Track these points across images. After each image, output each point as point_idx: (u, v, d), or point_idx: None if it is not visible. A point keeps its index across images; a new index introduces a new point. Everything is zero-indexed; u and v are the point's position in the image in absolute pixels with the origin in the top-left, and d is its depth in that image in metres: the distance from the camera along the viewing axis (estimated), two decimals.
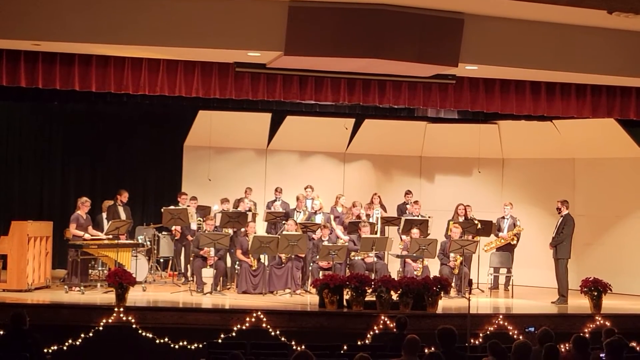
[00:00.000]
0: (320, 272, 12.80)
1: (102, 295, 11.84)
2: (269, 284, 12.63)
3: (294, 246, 12.40)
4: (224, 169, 15.79)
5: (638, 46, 11.59)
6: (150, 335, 10.28)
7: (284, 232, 12.97)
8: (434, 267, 13.50)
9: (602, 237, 14.88)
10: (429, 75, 12.00)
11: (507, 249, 14.32)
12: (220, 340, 9.89)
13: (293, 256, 12.72)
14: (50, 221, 13.06)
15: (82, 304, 11.07)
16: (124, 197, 13.75)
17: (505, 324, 10.93)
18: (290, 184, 14.99)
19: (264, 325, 10.47)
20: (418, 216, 14.16)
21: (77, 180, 15.97)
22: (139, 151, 16.27)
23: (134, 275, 11.28)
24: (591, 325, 11.15)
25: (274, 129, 15.84)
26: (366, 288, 11.21)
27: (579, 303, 12.27)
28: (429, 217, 14.27)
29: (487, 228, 13.96)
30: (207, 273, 12.94)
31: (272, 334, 10.41)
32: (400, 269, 13.56)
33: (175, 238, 14.29)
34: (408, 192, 14.99)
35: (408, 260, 13.20)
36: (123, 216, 13.46)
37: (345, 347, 9.20)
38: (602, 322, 11.12)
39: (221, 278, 12.76)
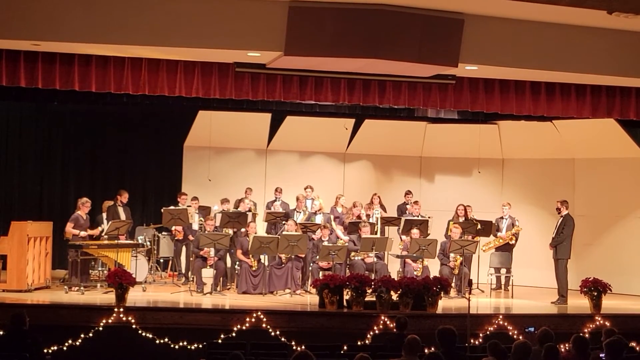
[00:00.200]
0: (320, 273, 12.80)
1: (102, 296, 11.83)
2: (269, 284, 12.63)
3: (294, 246, 12.40)
4: (224, 169, 15.78)
5: (638, 46, 11.59)
6: (150, 336, 10.27)
7: (284, 233, 12.97)
8: (434, 268, 13.50)
9: (601, 237, 14.88)
10: (429, 76, 12.00)
11: (506, 249, 14.32)
12: (220, 341, 9.91)
13: (293, 256, 12.72)
14: (50, 221, 13.06)
15: (82, 304, 11.07)
16: (124, 197, 13.75)
17: (505, 324, 10.93)
18: (290, 184, 14.99)
19: (264, 325, 10.47)
20: (418, 216, 14.16)
21: (77, 181, 15.98)
22: (139, 151, 16.27)
23: (133, 276, 11.28)
24: (591, 326, 11.15)
25: (274, 129, 15.84)
26: (366, 288, 11.21)
27: (578, 303, 12.26)
28: (429, 217, 14.27)
29: (487, 228, 13.97)
30: (207, 273, 12.94)
31: (272, 334, 10.41)
32: (400, 269, 13.56)
33: (176, 238, 14.29)
34: (408, 193, 14.99)
35: (408, 260, 13.20)
36: (123, 216, 13.46)
37: (345, 348, 9.20)
38: (601, 322, 11.12)
39: (221, 278, 12.76)
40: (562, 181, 15.33)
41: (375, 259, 12.93)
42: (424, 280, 11.61)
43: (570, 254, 12.89)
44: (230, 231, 13.28)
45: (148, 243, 14.19)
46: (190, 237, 13.74)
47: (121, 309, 10.47)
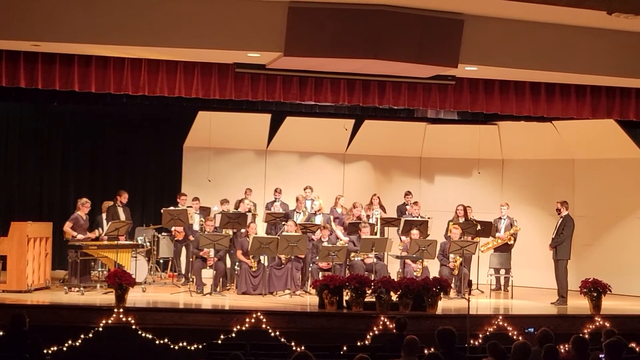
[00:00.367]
0: (320, 273, 12.80)
1: (101, 296, 11.83)
2: (268, 285, 12.63)
3: (294, 247, 12.40)
4: (223, 170, 15.78)
5: (638, 47, 11.59)
6: (150, 336, 10.27)
7: (284, 233, 12.97)
8: (434, 268, 13.49)
9: (601, 238, 14.88)
10: (428, 76, 12.01)
11: (505, 249, 14.33)
12: (220, 341, 9.91)
13: (293, 257, 12.72)
14: (49, 222, 13.06)
15: (81, 304, 11.06)
16: (124, 198, 13.76)
17: (505, 324, 10.93)
18: (290, 185, 14.98)
19: (263, 326, 10.46)
20: (418, 217, 14.16)
21: (77, 181, 15.98)
22: (139, 152, 16.28)
23: (133, 276, 11.27)
24: (591, 326, 11.14)
25: (274, 129, 15.84)
26: (366, 289, 11.21)
27: (578, 304, 12.26)
28: (429, 218, 14.27)
29: (487, 229, 13.96)
30: (207, 274, 12.94)
31: (272, 334, 10.40)
32: (400, 270, 13.56)
33: (176, 239, 14.29)
34: (408, 193, 14.99)
35: (408, 261, 13.20)
36: (123, 217, 13.47)
37: (345, 348, 9.20)
38: (601, 323, 11.12)
39: (221, 279, 12.76)
40: (562, 182, 15.33)
41: (375, 260, 12.93)
42: (423, 280, 11.61)
43: (570, 255, 12.88)
44: (230, 232, 13.27)
45: (148, 244, 14.19)
46: (191, 238, 13.74)
47: (121, 310, 10.46)
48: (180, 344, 10.21)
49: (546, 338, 7.36)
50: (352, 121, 15.79)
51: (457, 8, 10.76)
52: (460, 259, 13.17)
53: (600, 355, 7.11)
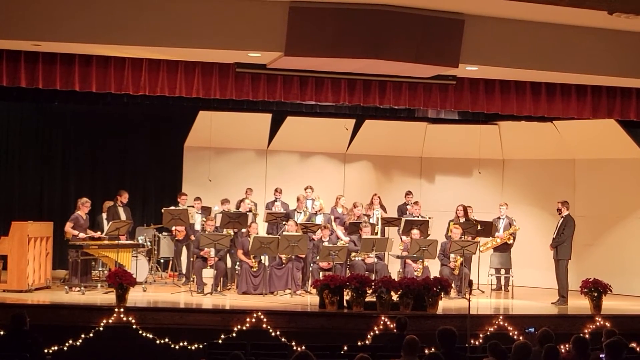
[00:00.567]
0: (321, 273, 12.80)
1: (102, 296, 11.84)
2: (269, 285, 12.63)
3: (294, 247, 12.40)
4: (224, 170, 15.79)
5: (638, 47, 11.59)
6: (151, 336, 10.27)
7: (284, 233, 12.97)
8: (434, 268, 13.50)
9: (602, 238, 14.88)
10: (429, 76, 12.01)
11: (504, 249, 14.33)
12: (220, 341, 9.91)
13: (293, 257, 12.72)
14: (50, 222, 13.06)
15: (82, 304, 11.06)
16: (124, 197, 13.76)
17: (506, 324, 10.93)
18: (290, 185, 14.99)
19: (264, 325, 10.47)
20: (418, 217, 14.16)
21: (78, 181, 15.98)
22: (140, 152, 16.28)
23: (134, 276, 11.28)
24: (591, 326, 11.14)
25: (275, 129, 15.84)
26: (366, 289, 11.21)
27: (579, 304, 12.26)
28: (430, 217, 14.27)
29: (488, 229, 13.96)
30: (208, 274, 12.95)
31: (273, 334, 10.40)
32: (401, 270, 13.56)
33: (176, 238, 14.30)
34: (408, 193, 14.99)
35: (408, 260, 13.20)
36: (123, 217, 13.47)
37: (345, 348, 9.20)
38: (602, 322, 11.12)
39: (221, 279, 12.76)
40: (563, 182, 15.33)
41: (375, 260, 12.93)
42: (424, 280, 11.61)
43: (571, 255, 12.88)
44: (232, 232, 13.27)
45: (148, 243, 14.19)
46: (192, 238, 13.74)
47: (121, 309, 10.47)
48: (181, 344, 10.21)
49: (547, 338, 7.36)
50: (353, 121, 15.79)
51: (457, 8, 10.76)
52: (461, 259, 13.17)
53: (601, 355, 7.11)
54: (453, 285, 12.66)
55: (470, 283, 10.34)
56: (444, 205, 15.11)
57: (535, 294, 13.93)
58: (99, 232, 12.98)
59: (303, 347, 8.49)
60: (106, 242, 12.66)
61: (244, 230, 13.24)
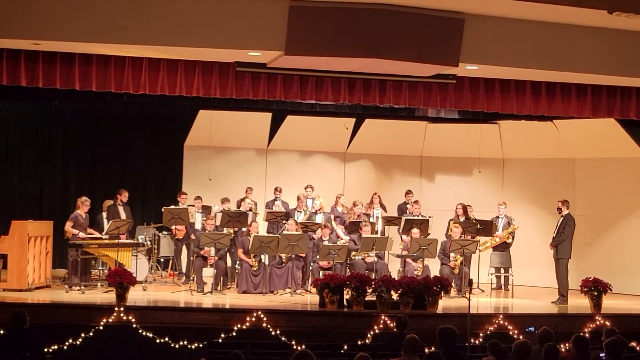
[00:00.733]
0: (321, 272, 12.80)
1: (102, 295, 11.84)
2: (269, 284, 12.63)
3: (294, 246, 12.40)
4: (224, 169, 15.79)
5: (638, 46, 11.59)
6: (151, 335, 10.27)
7: (284, 232, 12.97)
8: (434, 267, 13.50)
9: (602, 237, 14.88)
10: (429, 75, 12.00)
11: (503, 248, 14.34)
12: (220, 340, 9.91)
13: (293, 256, 12.72)
14: (50, 220, 13.06)
15: (82, 303, 11.07)
16: (124, 196, 13.76)
17: (506, 323, 10.93)
18: (290, 184, 14.99)
19: (264, 324, 10.47)
20: (418, 216, 14.16)
21: (77, 180, 15.98)
22: (140, 151, 16.28)
23: (134, 275, 11.28)
24: (591, 325, 11.14)
25: (275, 128, 15.84)
26: (366, 288, 11.21)
27: (579, 303, 12.26)
28: (430, 217, 14.28)
29: (488, 228, 13.96)
30: (208, 273, 12.95)
31: (273, 333, 10.41)
32: (401, 269, 13.56)
33: (176, 237, 14.30)
34: (408, 192, 15.00)
35: (408, 260, 13.20)
36: (123, 216, 13.46)
37: (345, 347, 9.20)
38: (602, 322, 11.12)
39: (221, 278, 12.76)
40: (563, 181, 15.33)
41: (375, 259, 12.93)
42: (424, 279, 11.61)
43: (571, 254, 12.88)
44: (232, 231, 13.27)
45: (148, 242, 14.19)
46: (193, 237, 13.74)
47: (121, 308, 10.46)
48: (181, 343, 10.21)
49: (547, 337, 7.37)
50: (353, 120, 15.79)
51: (457, 7, 10.76)
52: (461, 258, 13.18)
53: (601, 354, 7.11)
54: (453, 284, 12.66)
55: (470, 282, 10.32)
56: (444, 204, 15.11)
57: (535, 293, 13.93)
58: (99, 237, 12.95)
59: (303, 346, 8.50)
60: (106, 241, 12.66)
61: (244, 229, 13.24)
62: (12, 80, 11.20)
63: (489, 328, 10.85)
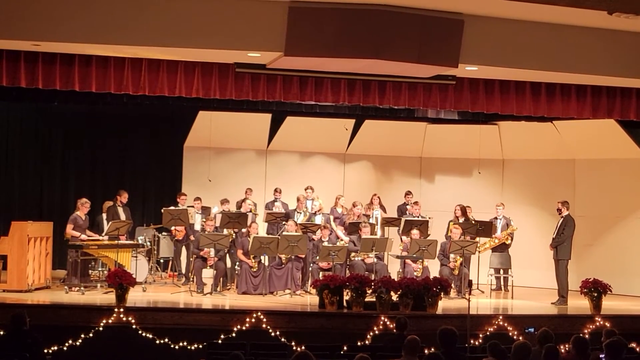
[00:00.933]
0: (320, 273, 12.80)
1: (102, 296, 11.84)
2: (269, 285, 12.63)
3: (294, 247, 12.40)
4: (224, 170, 15.78)
5: (638, 47, 11.59)
6: (150, 336, 10.27)
7: (284, 233, 12.97)
8: (434, 268, 13.50)
9: (602, 238, 14.87)
10: (429, 76, 12.01)
11: (502, 249, 14.34)
12: (220, 341, 9.91)
13: (293, 257, 12.72)
14: (50, 222, 13.06)
15: (82, 304, 11.07)
16: (124, 197, 13.76)
17: (505, 324, 10.93)
18: (290, 185, 14.98)
19: (264, 325, 10.47)
20: (418, 217, 14.16)
21: (77, 181, 15.98)
22: (139, 152, 16.28)
23: (134, 276, 11.28)
24: (591, 326, 11.14)
25: (274, 129, 15.84)
26: (366, 289, 11.21)
27: (578, 304, 12.26)
28: (429, 217, 14.28)
29: (487, 229, 13.96)
30: (207, 274, 12.94)
31: (272, 334, 10.41)
32: (400, 270, 13.56)
33: (176, 238, 14.30)
34: (408, 193, 14.99)
35: (408, 261, 13.20)
36: (123, 217, 13.47)
37: (345, 348, 9.19)
38: (602, 323, 11.12)
39: (221, 279, 12.76)
40: (563, 182, 15.33)
41: (375, 260, 12.93)
42: (424, 280, 11.61)
43: (571, 255, 12.88)
44: (233, 233, 13.27)
45: (148, 243, 14.19)
46: (192, 238, 13.74)
47: (121, 309, 10.46)
48: (181, 344, 10.21)
49: (546, 338, 7.37)
50: (353, 121, 15.79)
51: (457, 8, 10.76)
52: (461, 259, 13.18)
53: (601, 355, 7.11)
54: (453, 285, 12.66)
55: (469, 283, 10.34)
56: (443, 205, 15.11)
57: (535, 294, 13.93)
58: (100, 239, 12.93)
59: (303, 347, 8.49)
60: (106, 242, 12.66)
61: (244, 230, 13.24)
62: (12, 82, 11.20)
63: (489, 329, 10.85)
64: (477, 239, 13.68)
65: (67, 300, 11.46)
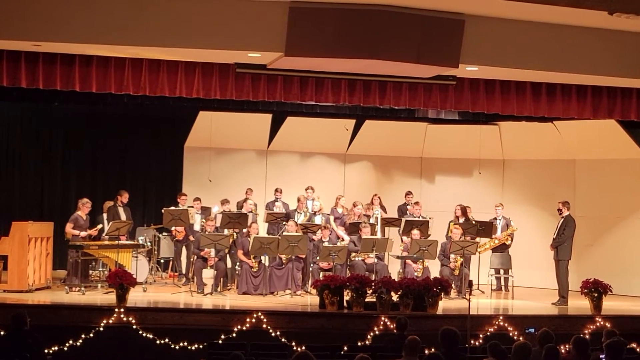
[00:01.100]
0: (321, 273, 12.80)
1: (102, 296, 11.84)
2: (269, 285, 12.63)
3: (294, 247, 12.40)
4: (224, 170, 15.79)
5: (639, 47, 11.59)
6: (151, 336, 10.27)
7: (285, 233, 12.98)
8: (435, 268, 13.49)
9: (602, 239, 14.87)
10: (429, 76, 12.00)
11: (502, 250, 14.34)
12: (220, 341, 9.90)
13: (293, 257, 12.72)
14: (50, 222, 13.06)
15: (82, 304, 11.06)
16: (125, 197, 13.76)
17: (506, 325, 10.93)
18: (290, 185, 14.99)
19: (264, 326, 10.47)
20: (419, 217, 14.16)
21: (78, 181, 15.99)
22: (140, 152, 16.28)
23: (134, 276, 11.28)
24: (591, 327, 11.14)
25: (275, 129, 15.84)
26: (366, 289, 11.21)
27: (579, 304, 12.26)
28: (430, 218, 14.28)
29: (488, 229, 13.97)
30: (208, 274, 12.95)
31: (273, 334, 10.41)
32: (401, 270, 13.56)
33: (176, 239, 14.30)
34: (409, 193, 15.00)
35: (408, 261, 13.20)
36: (123, 217, 13.47)
37: (345, 348, 9.20)
38: (602, 323, 11.12)
39: (221, 279, 12.76)
40: (563, 182, 15.33)
41: (375, 260, 12.93)
42: (424, 281, 11.61)
43: (571, 255, 12.87)
44: (234, 233, 13.26)
45: (149, 243, 14.19)
46: (191, 238, 13.75)
47: (122, 310, 10.47)
48: (181, 344, 10.21)
49: (547, 338, 7.37)
50: (353, 121, 15.79)
51: (457, 8, 10.76)
52: (461, 259, 13.17)
53: (601, 356, 7.11)
54: (453, 285, 12.66)
55: (470, 283, 10.34)
56: (444, 205, 15.12)
57: (536, 294, 13.92)
58: (100, 225, 12.95)
59: (303, 348, 8.50)
60: (106, 242, 12.66)
61: (244, 230, 13.24)
62: (13, 82, 11.20)
63: (489, 329, 10.85)
64: (477, 239, 13.68)
65: (68, 300, 11.46)
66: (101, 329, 10.26)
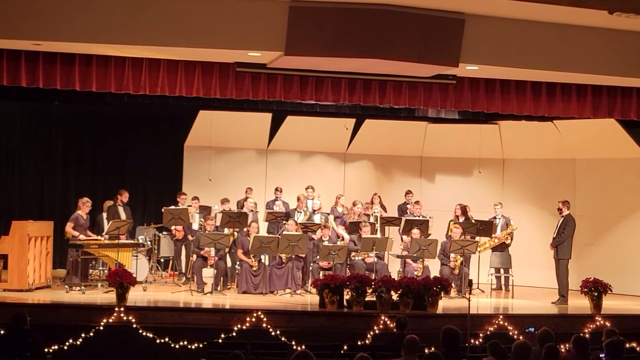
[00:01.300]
0: (321, 272, 12.80)
1: (102, 295, 11.84)
2: (269, 284, 12.63)
3: (294, 246, 12.41)
4: (224, 169, 15.79)
5: (639, 46, 11.59)
6: (151, 335, 10.28)
7: (284, 232, 12.98)
8: (434, 268, 13.50)
9: (602, 238, 14.87)
10: (429, 76, 12.01)
11: (502, 249, 14.34)
12: (220, 340, 9.91)
13: (293, 256, 12.72)
14: (50, 221, 13.06)
15: (82, 303, 11.07)
16: (125, 197, 13.76)
17: (506, 324, 10.93)
18: (290, 184, 14.99)
19: (264, 325, 10.47)
20: (419, 216, 14.16)
21: (78, 180, 15.98)
22: (140, 151, 16.28)
23: (134, 275, 11.28)
24: (591, 326, 11.14)
25: (275, 129, 15.84)
26: (366, 288, 11.21)
27: (579, 303, 12.26)
28: (430, 217, 14.28)
29: (488, 228, 13.97)
30: (208, 273, 12.95)
31: (273, 334, 10.41)
32: (401, 269, 13.56)
33: (175, 238, 14.30)
34: (408, 192, 15.00)
35: (408, 260, 13.20)
36: (123, 216, 13.46)
37: (345, 347, 9.21)
38: (602, 322, 11.12)
39: (221, 278, 12.77)
40: (563, 181, 15.33)
41: (375, 259, 12.93)
42: (424, 280, 11.61)
43: (571, 254, 12.88)
44: (235, 233, 13.26)
45: (149, 243, 14.19)
46: (190, 237, 13.74)
47: (122, 309, 10.47)
48: (181, 343, 10.21)
49: (547, 337, 7.37)
50: (353, 120, 15.79)
51: (458, 7, 10.76)
52: (461, 259, 13.18)
53: (601, 355, 7.11)
54: (453, 284, 12.65)
55: (470, 282, 10.34)
56: (444, 204, 15.12)
57: (536, 293, 13.93)
58: (101, 238, 12.88)
59: (303, 347, 8.51)
60: (106, 241, 12.67)
61: (244, 229, 13.24)
62: (13, 81, 11.20)
63: (489, 328, 10.85)
64: (477, 238, 13.68)
65: (68, 299, 11.46)
66: (101, 328, 10.26)
